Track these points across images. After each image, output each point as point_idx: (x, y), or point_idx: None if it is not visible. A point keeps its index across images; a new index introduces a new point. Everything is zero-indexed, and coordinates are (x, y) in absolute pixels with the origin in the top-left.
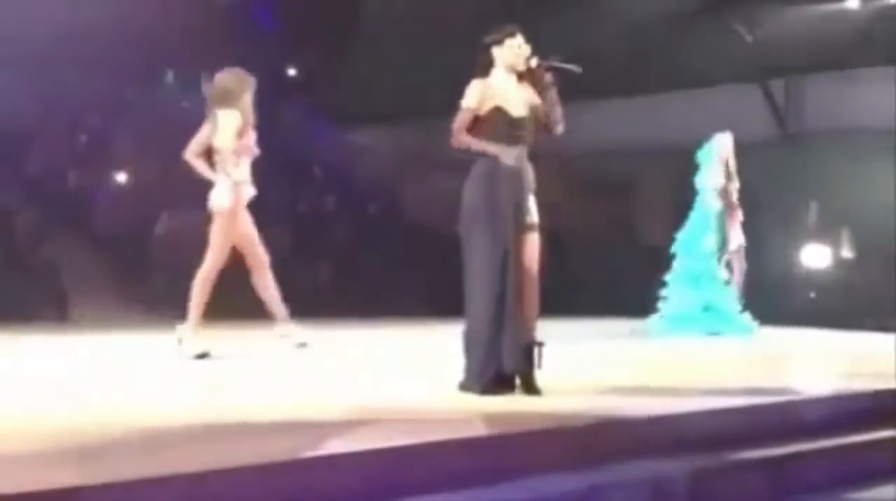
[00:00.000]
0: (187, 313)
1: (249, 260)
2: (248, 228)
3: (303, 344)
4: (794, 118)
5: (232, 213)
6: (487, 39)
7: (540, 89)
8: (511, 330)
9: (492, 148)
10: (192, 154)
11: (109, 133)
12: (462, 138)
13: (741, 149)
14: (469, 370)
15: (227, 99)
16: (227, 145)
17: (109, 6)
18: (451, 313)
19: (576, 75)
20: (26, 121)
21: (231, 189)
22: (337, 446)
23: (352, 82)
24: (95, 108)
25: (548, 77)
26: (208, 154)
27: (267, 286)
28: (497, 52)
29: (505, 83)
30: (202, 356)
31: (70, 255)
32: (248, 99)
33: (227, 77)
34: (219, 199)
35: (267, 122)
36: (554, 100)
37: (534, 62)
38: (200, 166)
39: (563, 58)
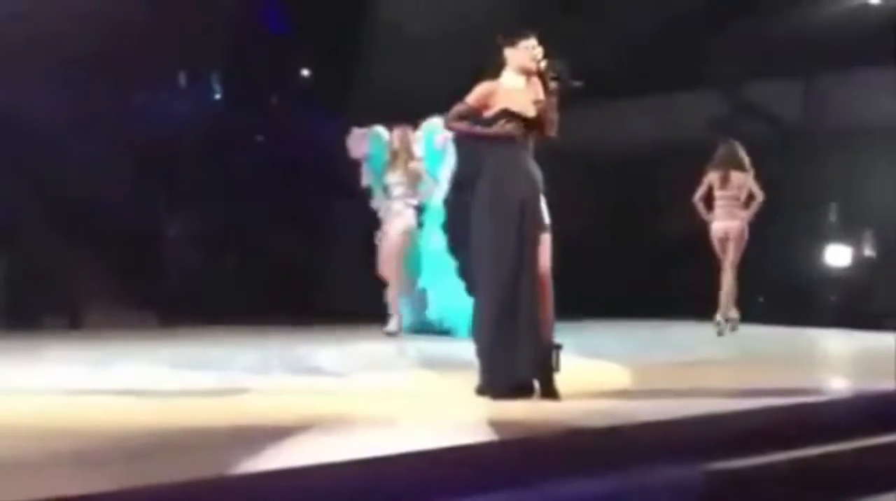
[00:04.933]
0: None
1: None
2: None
3: None
4: (813, 117)
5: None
6: (500, 41)
7: (546, 91)
8: (527, 333)
9: (491, 130)
10: (699, 198)
11: (118, 137)
12: (454, 125)
13: (762, 148)
14: (483, 373)
15: (739, 163)
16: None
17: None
18: None
19: (577, 89)
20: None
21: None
22: (350, 451)
23: None
24: (102, 112)
25: (552, 84)
26: (708, 199)
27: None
28: (509, 53)
29: (514, 84)
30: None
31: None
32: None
33: (734, 146)
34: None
35: None
36: (553, 106)
37: (543, 65)
38: (702, 211)
39: (570, 67)
